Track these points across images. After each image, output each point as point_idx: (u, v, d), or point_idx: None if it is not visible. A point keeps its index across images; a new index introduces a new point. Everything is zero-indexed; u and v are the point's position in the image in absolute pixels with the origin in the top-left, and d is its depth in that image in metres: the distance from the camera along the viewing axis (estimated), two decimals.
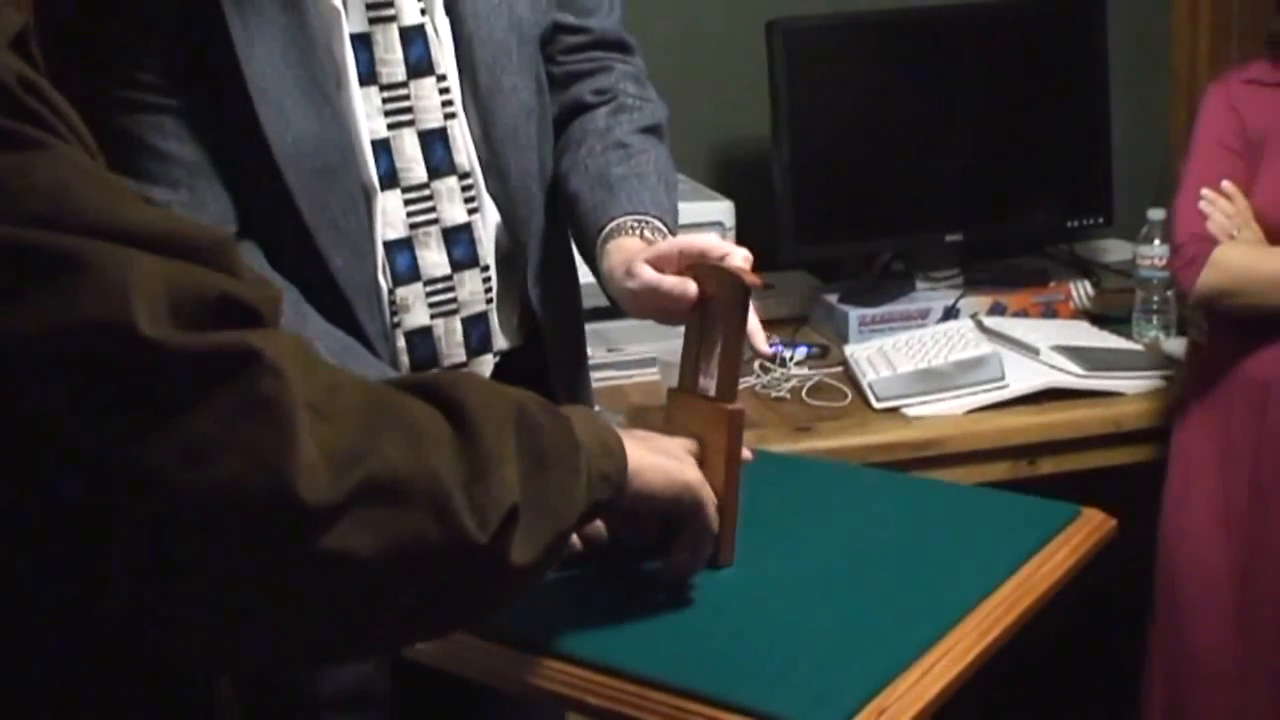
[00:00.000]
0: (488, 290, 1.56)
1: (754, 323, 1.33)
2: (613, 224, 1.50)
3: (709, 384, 1.29)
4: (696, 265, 1.33)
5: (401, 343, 1.52)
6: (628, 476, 1.10)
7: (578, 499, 1.01)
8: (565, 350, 1.68)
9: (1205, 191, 2.26)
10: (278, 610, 0.83)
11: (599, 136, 1.61)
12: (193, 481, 0.77)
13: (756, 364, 2.48)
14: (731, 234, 2.58)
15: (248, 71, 1.39)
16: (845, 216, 2.81)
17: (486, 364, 1.58)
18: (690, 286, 1.31)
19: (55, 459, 0.76)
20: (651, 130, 1.64)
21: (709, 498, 1.18)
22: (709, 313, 1.30)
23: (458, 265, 1.54)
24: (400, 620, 0.90)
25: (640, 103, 1.65)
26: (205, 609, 0.81)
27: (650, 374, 2.52)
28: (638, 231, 1.49)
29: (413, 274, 1.51)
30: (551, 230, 1.62)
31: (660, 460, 1.15)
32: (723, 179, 2.93)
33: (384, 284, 1.50)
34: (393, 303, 1.51)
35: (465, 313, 1.55)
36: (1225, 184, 2.26)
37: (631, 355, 2.55)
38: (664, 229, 1.51)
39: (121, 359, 0.76)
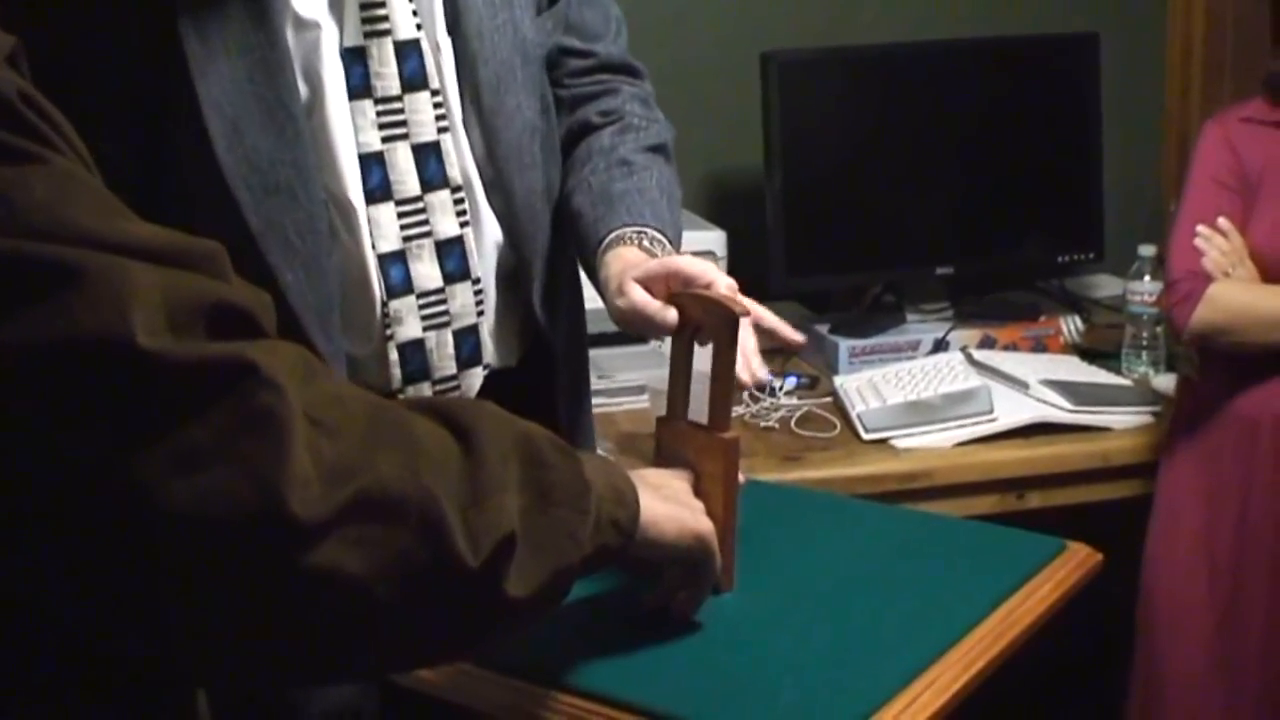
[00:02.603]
0: (479, 303, 1.56)
1: (751, 346, 1.34)
2: (612, 235, 1.51)
3: (699, 410, 1.29)
4: (683, 291, 1.33)
5: (394, 355, 1.52)
6: (639, 525, 1.10)
7: (583, 540, 1.00)
8: (571, 373, 1.68)
9: (1201, 228, 2.25)
10: (264, 625, 0.82)
11: (603, 155, 1.61)
12: (182, 491, 0.77)
13: (746, 393, 2.48)
14: (724, 263, 2.58)
15: (201, 88, 1.38)
16: (837, 248, 2.82)
17: (476, 377, 1.58)
18: (670, 315, 1.32)
19: (45, 466, 0.76)
20: (657, 149, 1.65)
21: (716, 549, 1.19)
22: (696, 339, 1.31)
23: (450, 278, 1.54)
24: (391, 643, 0.89)
25: (646, 123, 1.66)
26: (189, 620, 0.81)
27: (640, 401, 2.52)
28: (636, 241, 1.50)
29: (406, 286, 1.51)
30: (558, 250, 1.63)
31: (673, 510, 1.16)
32: (715, 209, 2.93)
33: (378, 296, 1.50)
34: (386, 315, 1.51)
35: (456, 325, 1.55)
36: (1221, 221, 2.26)
37: (621, 383, 2.55)
38: (663, 239, 1.52)
39: (117, 370, 0.76)
